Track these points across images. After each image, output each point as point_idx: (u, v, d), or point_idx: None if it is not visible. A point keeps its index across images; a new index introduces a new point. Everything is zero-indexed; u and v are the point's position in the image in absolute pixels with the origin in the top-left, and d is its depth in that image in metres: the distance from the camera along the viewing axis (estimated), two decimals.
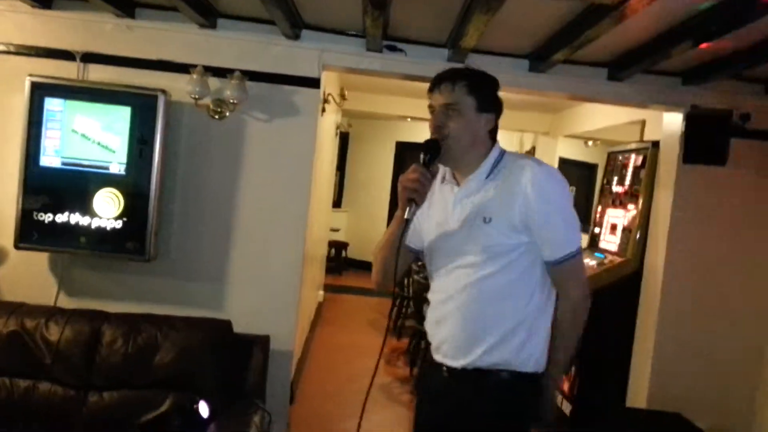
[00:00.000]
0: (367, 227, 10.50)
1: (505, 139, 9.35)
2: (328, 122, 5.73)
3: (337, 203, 9.72)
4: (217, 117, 3.46)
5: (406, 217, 1.76)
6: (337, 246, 9.82)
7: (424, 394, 2.06)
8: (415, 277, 5.44)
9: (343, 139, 9.28)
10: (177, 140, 3.47)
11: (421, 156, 1.80)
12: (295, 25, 3.44)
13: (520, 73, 3.74)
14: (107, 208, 3.24)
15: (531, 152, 8.58)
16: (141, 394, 3.01)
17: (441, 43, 3.59)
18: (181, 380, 3.02)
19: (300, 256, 3.63)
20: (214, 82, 3.42)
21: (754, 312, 3.96)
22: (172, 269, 3.51)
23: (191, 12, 3.21)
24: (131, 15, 3.44)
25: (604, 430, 3.66)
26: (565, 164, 7.19)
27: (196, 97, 3.35)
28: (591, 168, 8.13)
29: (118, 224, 3.25)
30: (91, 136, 3.24)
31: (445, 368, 1.88)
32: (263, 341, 3.32)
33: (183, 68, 3.40)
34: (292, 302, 3.63)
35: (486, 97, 1.87)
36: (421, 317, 5.26)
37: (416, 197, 1.75)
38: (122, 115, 3.26)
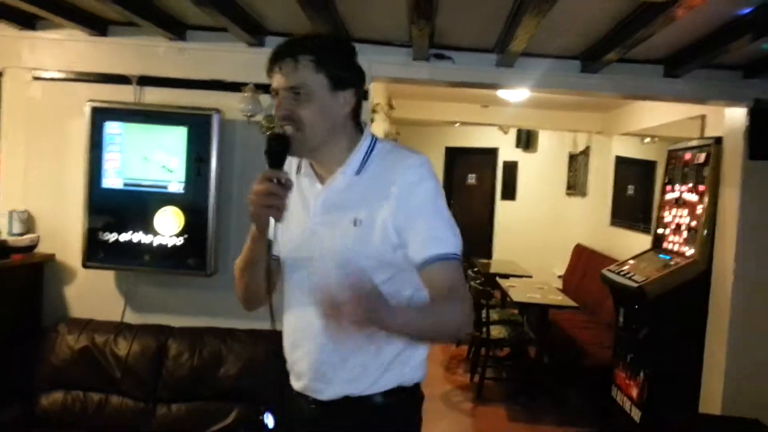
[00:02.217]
0: None
1: (558, 140, 9.24)
2: (378, 131, 5.76)
3: None
4: (269, 132, 3.52)
5: (269, 237, 1.43)
6: None
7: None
8: (472, 283, 5.39)
9: None
10: (231, 157, 3.55)
11: (267, 159, 1.46)
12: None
13: (571, 75, 3.67)
14: (168, 226, 3.34)
15: (585, 152, 8.40)
16: (207, 406, 3.09)
17: (489, 48, 3.56)
18: (246, 392, 3.08)
19: None
20: (265, 99, 3.48)
21: None
22: (232, 283, 3.57)
23: (240, 32, 3.28)
24: (182, 37, 3.54)
25: None
26: (622, 163, 7.00)
27: (249, 114, 3.41)
28: (649, 166, 7.89)
29: (179, 241, 3.34)
30: (149, 156, 3.35)
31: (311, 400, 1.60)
32: None
33: (234, 87, 3.47)
34: None
35: (340, 69, 1.50)
36: (479, 323, 5.21)
37: (273, 214, 1.42)
38: (179, 135, 3.36)
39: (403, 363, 1.57)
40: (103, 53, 3.56)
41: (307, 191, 1.60)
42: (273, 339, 3.22)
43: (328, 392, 1.56)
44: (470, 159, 10.26)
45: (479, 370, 5.35)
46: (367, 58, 3.55)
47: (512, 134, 9.74)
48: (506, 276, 6.50)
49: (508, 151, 9.88)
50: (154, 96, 3.53)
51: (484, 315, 5.19)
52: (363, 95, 1.60)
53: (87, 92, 3.46)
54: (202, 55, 3.56)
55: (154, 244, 3.33)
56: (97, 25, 3.46)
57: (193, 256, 3.35)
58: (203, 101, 3.48)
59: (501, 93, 5.78)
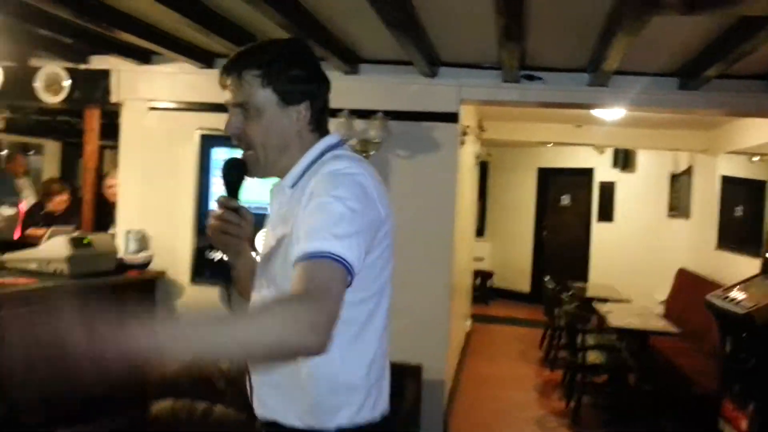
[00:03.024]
0: (512, 255, 10.34)
1: (658, 159, 8.87)
2: (468, 153, 5.78)
3: (479, 232, 9.69)
4: (362, 156, 3.64)
5: (230, 262, 1.42)
6: (483, 275, 9.75)
7: None
8: (567, 307, 5.28)
9: (483, 168, 9.28)
10: None
11: (225, 187, 1.38)
12: (433, 63, 3.56)
13: (669, 92, 3.57)
14: None
15: (688, 172, 8.03)
16: None
17: (581, 67, 3.53)
18: None
19: (447, 285, 3.68)
20: (358, 124, 3.62)
21: None
22: None
23: (337, 61, 3.44)
24: None
25: None
26: (729, 183, 6.63)
27: (343, 139, 3.55)
28: (758, 185, 7.45)
29: None
30: (253, 180, 3.55)
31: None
32: (415, 371, 3.39)
33: (330, 113, 3.62)
34: (442, 332, 3.68)
35: (291, 83, 1.36)
36: (574, 348, 5.08)
37: (232, 242, 1.38)
38: None
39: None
40: (211, 84, 3.80)
41: (274, 202, 1.48)
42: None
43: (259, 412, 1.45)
44: (564, 180, 10.05)
45: (575, 395, 5.20)
46: (456, 81, 3.63)
47: (608, 154, 9.45)
48: (604, 300, 6.30)
49: (604, 171, 9.58)
50: None
51: (579, 340, 5.05)
52: (325, 103, 1.44)
53: (196, 121, 3.73)
54: None
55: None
56: (205, 58, 3.74)
57: None
58: None
59: (595, 112, 5.66)
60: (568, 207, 10.11)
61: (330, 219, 1.21)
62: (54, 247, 3.23)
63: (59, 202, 4.52)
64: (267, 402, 1.42)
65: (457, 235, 4.24)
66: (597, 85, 3.53)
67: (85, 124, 4.09)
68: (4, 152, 6.93)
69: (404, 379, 3.37)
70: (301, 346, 1.08)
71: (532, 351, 7.22)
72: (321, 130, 1.44)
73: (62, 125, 5.28)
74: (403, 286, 3.68)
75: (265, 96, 1.34)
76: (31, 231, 4.53)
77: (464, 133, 4.76)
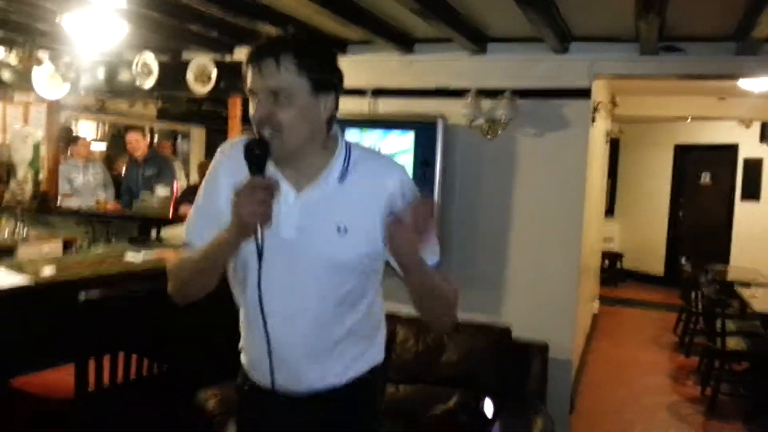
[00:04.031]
0: (643, 236, 9.86)
1: None
2: (599, 130, 5.60)
3: (608, 212, 9.32)
4: (489, 136, 3.66)
5: (258, 242, 1.39)
6: (612, 256, 9.40)
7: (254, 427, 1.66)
8: (705, 290, 5.00)
9: (613, 146, 8.89)
10: (454, 160, 3.76)
11: (248, 166, 1.38)
12: (564, 39, 3.48)
13: None
14: None
15: None
16: (430, 389, 3.32)
17: (726, 36, 3.31)
18: (465, 379, 3.26)
19: (576, 265, 3.64)
20: (486, 103, 3.63)
21: None
22: (453, 277, 3.74)
23: (464, 41, 3.47)
24: (411, 50, 3.83)
25: None
26: None
27: (471, 119, 3.59)
28: None
29: None
30: None
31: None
32: (542, 349, 3.40)
33: (457, 93, 3.68)
34: (569, 311, 3.65)
35: (323, 73, 1.42)
36: (712, 333, 4.81)
37: (262, 220, 1.36)
38: (407, 140, 3.65)
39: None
40: (344, 70, 3.98)
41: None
42: (491, 331, 3.38)
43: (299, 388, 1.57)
44: (703, 156, 9.39)
45: (712, 383, 4.94)
46: (588, 56, 3.54)
47: (755, 128, 8.71)
48: (746, 284, 5.89)
49: (750, 146, 8.84)
50: (385, 106, 3.88)
51: (719, 325, 4.78)
52: (336, 101, 1.49)
53: None
54: (428, 65, 3.83)
55: None
56: (338, 46, 3.91)
57: None
58: (429, 108, 3.73)
59: (742, 83, 5.26)
60: (707, 185, 9.46)
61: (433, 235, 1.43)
62: None
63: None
64: (305, 376, 1.53)
65: (586, 214, 4.15)
66: (745, 54, 3.29)
67: (229, 112, 4.42)
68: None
69: (531, 356, 3.40)
70: (453, 315, 1.60)
71: (665, 335, 6.91)
72: (332, 122, 1.50)
73: (208, 113, 5.72)
74: (531, 265, 3.72)
75: (299, 83, 1.38)
76: (184, 209, 4.99)
77: (595, 110, 4.62)
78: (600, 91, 5.09)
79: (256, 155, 1.38)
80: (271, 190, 1.36)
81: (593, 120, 4.33)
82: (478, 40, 3.60)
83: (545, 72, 3.63)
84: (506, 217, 3.72)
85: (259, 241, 1.39)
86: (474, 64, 3.74)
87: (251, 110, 1.42)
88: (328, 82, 1.43)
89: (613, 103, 6.18)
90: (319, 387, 1.53)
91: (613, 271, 9.46)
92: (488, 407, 3.02)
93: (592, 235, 5.77)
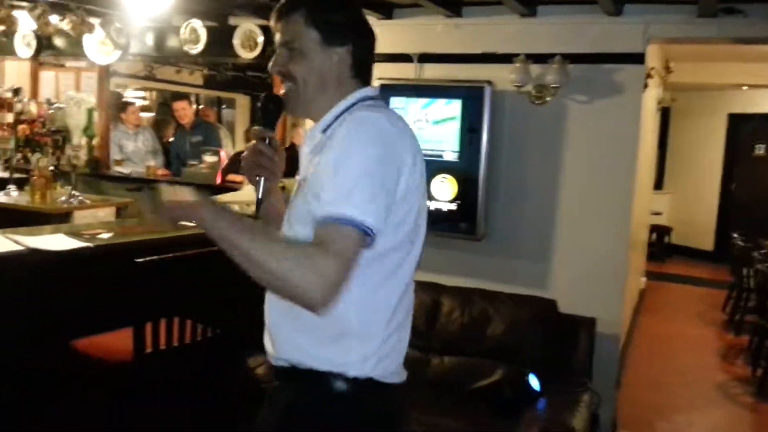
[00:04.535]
0: (694, 210, 9.57)
1: None
2: (650, 98, 5.40)
3: (657, 185, 9.06)
4: (538, 102, 3.56)
5: (258, 196, 1.45)
6: (659, 230, 9.16)
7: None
8: (759, 266, 4.84)
9: (664, 115, 8.59)
10: (501, 127, 3.68)
11: (260, 118, 1.47)
12: (617, 1, 3.35)
13: None
14: (443, 192, 3.62)
15: None
16: (474, 362, 3.31)
17: None
18: (510, 352, 3.23)
19: (625, 238, 3.55)
20: (535, 69, 3.52)
21: None
22: (499, 248, 3.74)
23: (514, 3, 3.37)
24: (458, 14, 3.74)
25: None
26: None
27: (519, 84, 3.50)
28: None
29: (453, 206, 3.60)
30: (427, 128, 3.64)
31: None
32: (589, 323, 3.35)
33: (505, 58, 3.58)
34: (617, 286, 3.57)
35: (334, 25, 1.42)
36: (765, 311, 4.67)
37: (262, 173, 1.44)
38: (454, 107, 3.59)
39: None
40: (390, 35, 3.93)
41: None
42: (536, 304, 3.33)
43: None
44: (760, 127, 9.01)
45: (763, 363, 4.80)
46: (642, 19, 3.41)
47: None
48: None
49: None
50: (432, 72, 3.81)
51: None
52: (367, 52, 1.49)
53: (376, 71, 3.82)
54: (475, 29, 3.73)
55: (431, 208, 3.63)
56: (384, 10, 3.84)
57: (464, 220, 3.58)
58: (476, 74, 3.65)
59: None
60: (762, 157, 9.10)
61: (351, 178, 1.25)
62: (252, 191, 3.57)
63: None
64: (284, 344, 1.42)
65: (636, 187, 4.03)
66: None
67: (274, 79, 4.40)
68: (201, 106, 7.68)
69: (578, 330, 3.35)
70: (304, 293, 1.18)
71: (713, 313, 6.74)
72: (363, 78, 1.47)
73: (253, 80, 5.74)
74: (579, 237, 3.64)
75: (309, 34, 1.41)
76: (231, 177, 5.04)
77: (648, 76, 4.45)
78: (653, 56, 4.90)
79: (270, 109, 1.46)
80: (271, 144, 1.44)
81: (646, 86, 4.18)
82: (528, 2, 3.49)
83: (597, 36, 3.50)
84: (554, 187, 3.64)
85: (259, 194, 1.44)
86: (523, 27, 3.63)
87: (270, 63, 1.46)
88: (340, 34, 1.42)
89: (667, 69, 5.96)
90: (295, 362, 1.43)
91: (661, 245, 9.23)
92: (534, 382, 2.99)
93: (641, 208, 5.62)
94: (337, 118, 1.42)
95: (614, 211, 3.54)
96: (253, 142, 1.46)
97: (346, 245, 1.22)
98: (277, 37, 1.45)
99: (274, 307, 1.43)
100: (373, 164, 1.28)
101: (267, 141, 1.46)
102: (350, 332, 1.36)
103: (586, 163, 3.58)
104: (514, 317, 3.31)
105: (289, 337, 1.41)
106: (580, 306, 3.46)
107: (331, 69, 1.43)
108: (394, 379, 1.43)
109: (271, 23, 1.46)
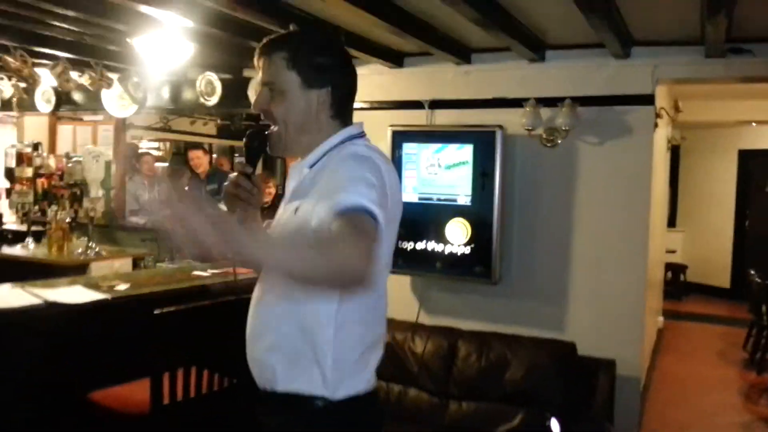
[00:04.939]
0: (708, 248, 9.48)
1: None
2: (660, 137, 5.43)
3: (671, 222, 9.01)
4: (549, 145, 3.60)
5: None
6: (674, 268, 9.07)
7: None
8: None
9: (674, 153, 8.61)
10: (513, 170, 3.71)
11: (244, 153, 1.52)
12: (626, 44, 3.41)
13: None
14: (457, 236, 3.62)
15: None
16: (494, 407, 3.26)
17: None
18: (529, 397, 3.19)
19: (642, 278, 3.52)
20: (545, 112, 3.57)
21: None
22: (515, 291, 3.73)
23: (523, 49, 3.43)
24: (468, 61, 3.82)
25: None
26: None
27: (530, 128, 3.54)
28: None
29: (467, 250, 3.60)
30: (440, 172, 3.68)
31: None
32: (608, 365, 3.30)
33: (516, 103, 3.63)
34: (636, 327, 3.53)
35: (314, 68, 1.45)
36: None
37: (240, 205, 1.49)
38: (466, 152, 3.63)
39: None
40: (401, 83, 4.01)
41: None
42: (555, 346, 3.29)
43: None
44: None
45: None
46: (651, 60, 3.46)
47: None
48: None
49: None
50: (443, 117, 3.87)
51: None
52: (348, 92, 1.52)
53: (388, 118, 3.92)
54: (485, 75, 3.80)
55: (445, 253, 3.63)
56: (395, 59, 3.92)
57: (479, 264, 3.58)
58: (487, 119, 3.70)
59: None
60: None
61: (362, 183, 1.29)
62: None
63: (268, 193, 5.01)
64: (276, 372, 1.47)
65: (651, 226, 4.02)
66: None
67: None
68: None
69: (598, 373, 3.30)
70: (348, 262, 1.14)
71: (734, 351, 6.60)
72: (343, 118, 1.51)
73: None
74: (595, 278, 3.62)
75: (289, 77, 1.45)
76: None
77: (658, 116, 4.49)
78: (662, 96, 4.95)
79: (253, 147, 1.52)
80: (250, 179, 1.49)
81: (656, 126, 4.21)
82: (537, 48, 3.56)
83: (606, 78, 3.55)
84: (568, 228, 3.64)
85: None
86: (532, 72, 3.69)
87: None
88: (321, 77, 1.46)
89: (676, 109, 6.00)
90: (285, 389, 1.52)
91: (677, 283, 9.12)
92: (555, 427, 2.93)
93: (655, 246, 5.59)
94: (325, 154, 1.47)
95: (630, 250, 3.53)
96: (235, 174, 1.51)
97: (369, 227, 1.24)
98: (259, 74, 1.49)
99: (255, 338, 1.51)
100: (373, 181, 1.32)
101: (248, 175, 1.50)
102: (326, 357, 1.42)
103: (599, 204, 3.59)
104: (532, 360, 3.27)
105: (268, 363, 1.47)
106: (599, 347, 3.42)
107: (310, 110, 1.47)
108: (370, 385, 1.50)
109: (255, 60, 1.50)
